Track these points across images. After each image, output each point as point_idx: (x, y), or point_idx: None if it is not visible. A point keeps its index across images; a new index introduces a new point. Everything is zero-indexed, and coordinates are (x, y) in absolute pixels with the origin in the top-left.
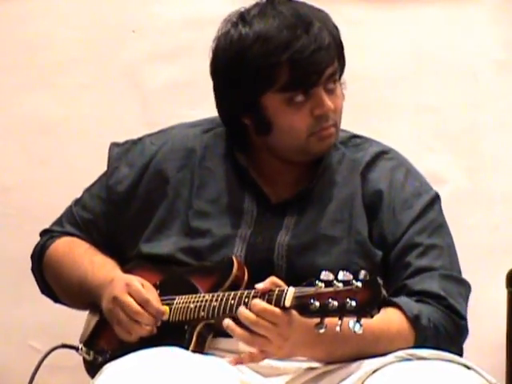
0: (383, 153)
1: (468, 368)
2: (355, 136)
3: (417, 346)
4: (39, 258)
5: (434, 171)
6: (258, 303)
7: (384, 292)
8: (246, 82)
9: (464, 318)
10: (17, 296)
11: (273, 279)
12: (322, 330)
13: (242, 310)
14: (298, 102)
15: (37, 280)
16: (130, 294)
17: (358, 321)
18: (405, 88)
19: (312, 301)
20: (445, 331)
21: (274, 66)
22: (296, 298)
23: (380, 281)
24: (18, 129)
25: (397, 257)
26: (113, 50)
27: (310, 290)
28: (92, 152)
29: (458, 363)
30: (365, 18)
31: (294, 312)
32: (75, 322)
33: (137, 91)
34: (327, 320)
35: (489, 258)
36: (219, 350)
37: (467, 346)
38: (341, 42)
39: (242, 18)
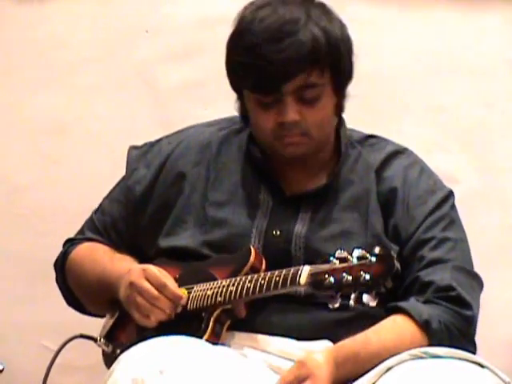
0: (398, 152)
1: (482, 366)
2: (371, 136)
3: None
4: (62, 265)
5: (447, 171)
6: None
7: (397, 265)
8: (229, 74)
9: (471, 308)
10: (30, 295)
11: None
12: (336, 305)
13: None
14: (266, 103)
15: (61, 290)
16: (147, 279)
17: (370, 293)
18: (417, 88)
19: (326, 276)
20: (456, 330)
21: (243, 65)
22: (311, 275)
23: (394, 254)
24: (32, 129)
25: (410, 251)
26: (126, 50)
27: (325, 266)
28: (105, 152)
29: (472, 362)
30: (377, 17)
31: (310, 365)
32: (89, 321)
33: (150, 91)
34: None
35: (502, 258)
36: (234, 343)
37: (481, 344)
38: (338, 51)
39: (246, 9)
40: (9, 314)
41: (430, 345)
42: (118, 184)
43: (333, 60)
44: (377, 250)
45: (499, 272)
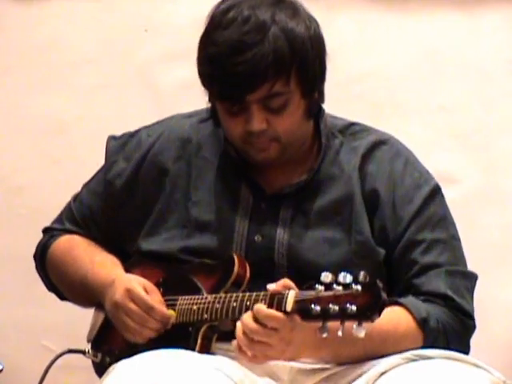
0: (380, 142)
1: (477, 366)
2: (353, 124)
3: (426, 347)
4: (41, 257)
5: (447, 171)
6: (261, 309)
7: (384, 295)
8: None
9: (472, 318)
10: (30, 295)
11: (286, 281)
12: (324, 335)
13: (244, 317)
14: (233, 111)
15: (41, 278)
16: (133, 301)
17: (359, 324)
18: (418, 87)
19: (313, 306)
20: (453, 331)
21: (207, 75)
22: (297, 302)
23: (380, 284)
24: (32, 129)
25: (400, 254)
26: (126, 49)
27: (311, 293)
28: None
29: (467, 362)
30: (377, 17)
31: (296, 316)
32: (88, 321)
33: (150, 91)
34: (330, 323)
35: (501, 257)
36: (226, 351)
37: (478, 345)
38: (304, 57)
39: (215, 10)
40: (8, 314)
41: (424, 342)
42: (97, 175)
43: (298, 67)
44: (361, 276)
45: (499, 271)
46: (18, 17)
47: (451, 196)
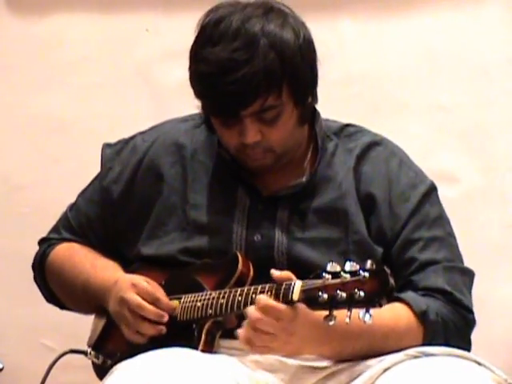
0: (375, 143)
1: (479, 364)
2: (348, 125)
3: (426, 340)
4: (40, 267)
5: (447, 170)
6: (262, 299)
7: (392, 281)
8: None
9: (471, 312)
10: (30, 295)
11: (288, 273)
12: (331, 322)
13: (248, 308)
14: (227, 123)
15: (40, 289)
16: (139, 294)
17: (367, 311)
18: (417, 86)
19: (320, 293)
20: (453, 325)
21: (199, 91)
22: (304, 291)
23: (387, 269)
24: (32, 128)
25: (398, 252)
26: (126, 49)
27: (318, 282)
28: None
29: (469, 359)
30: (376, 16)
31: (300, 307)
32: (88, 321)
33: (150, 90)
34: (336, 312)
35: (501, 256)
36: (228, 348)
37: (479, 342)
38: (294, 68)
39: (206, 19)
40: (8, 313)
41: (425, 336)
42: (93, 183)
43: (290, 79)
44: (369, 264)
45: (498, 270)
46: (15, 15)
47: (450, 195)
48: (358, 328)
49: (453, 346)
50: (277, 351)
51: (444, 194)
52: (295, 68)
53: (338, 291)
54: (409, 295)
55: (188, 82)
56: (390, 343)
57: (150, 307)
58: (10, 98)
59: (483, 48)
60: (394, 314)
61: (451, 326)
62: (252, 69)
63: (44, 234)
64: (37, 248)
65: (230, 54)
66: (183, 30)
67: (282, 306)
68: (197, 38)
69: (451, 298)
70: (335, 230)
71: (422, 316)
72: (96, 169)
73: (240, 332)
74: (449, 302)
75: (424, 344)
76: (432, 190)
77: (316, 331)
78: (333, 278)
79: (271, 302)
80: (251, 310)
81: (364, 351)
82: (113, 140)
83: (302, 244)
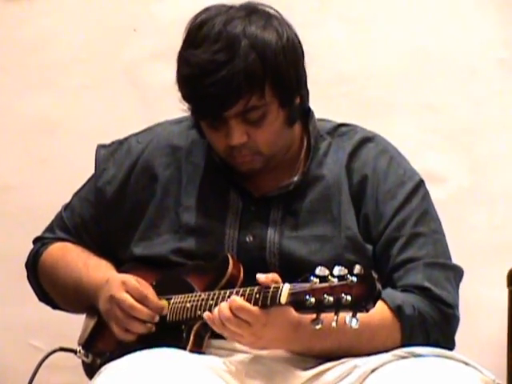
0: (366, 140)
1: (467, 364)
2: (341, 125)
3: (405, 336)
4: (33, 265)
5: (435, 170)
6: (237, 300)
7: (379, 286)
8: None
9: (452, 307)
10: (18, 295)
11: (275, 276)
12: (318, 326)
13: (222, 304)
14: (214, 125)
15: (33, 288)
16: (128, 292)
17: (353, 316)
18: (406, 86)
19: (307, 297)
20: (432, 320)
21: (183, 93)
22: (291, 294)
23: (375, 275)
24: (20, 128)
25: (381, 249)
26: (114, 49)
27: (305, 285)
28: (93, 152)
29: (457, 360)
30: (365, 16)
31: (271, 312)
32: (77, 321)
33: (138, 90)
34: (323, 315)
35: (490, 257)
36: (217, 348)
37: (467, 343)
38: (277, 70)
39: (192, 22)
40: None
41: (403, 330)
42: (88, 183)
43: (272, 79)
44: (357, 269)
45: (486, 270)
46: (4, 16)
47: (438, 195)
48: (327, 327)
49: (435, 341)
50: (243, 344)
51: (432, 194)
52: (277, 68)
53: (326, 295)
54: (385, 291)
55: (175, 82)
56: (363, 340)
57: (141, 307)
58: None
59: (472, 48)
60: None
61: (429, 320)
62: (232, 70)
63: (32, 235)
64: (25, 248)
65: (210, 55)
66: (171, 30)
67: (255, 311)
68: (183, 41)
69: (430, 293)
70: (328, 226)
71: (397, 311)
72: (85, 170)
73: (208, 314)
74: (427, 298)
75: (404, 339)
76: (419, 185)
77: (284, 332)
78: (321, 281)
79: (245, 304)
80: (223, 308)
81: (335, 348)
82: (101, 141)
83: (295, 242)
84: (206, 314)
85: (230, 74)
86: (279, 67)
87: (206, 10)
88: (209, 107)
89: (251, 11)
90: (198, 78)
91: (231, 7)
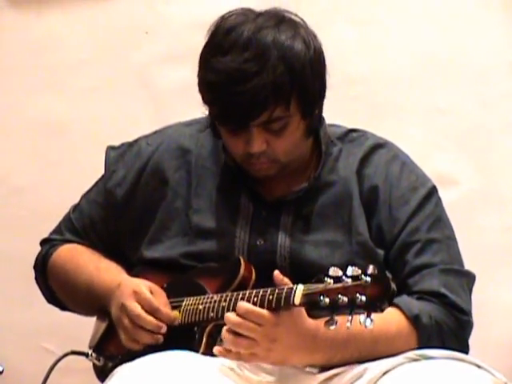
0: (378, 146)
1: (479, 367)
2: (352, 130)
3: (421, 344)
4: (42, 267)
5: (446, 172)
6: (243, 305)
7: (393, 286)
8: None
9: (467, 313)
10: (30, 298)
11: (286, 280)
12: (332, 327)
13: (227, 313)
14: (234, 131)
15: (41, 290)
16: (139, 302)
17: (368, 316)
18: (416, 90)
19: (321, 297)
20: (448, 328)
21: (207, 99)
22: (305, 295)
23: (389, 275)
24: (30, 131)
25: (396, 255)
26: (125, 51)
27: (319, 286)
28: (103, 154)
29: (469, 362)
30: (375, 18)
31: (284, 314)
32: (88, 323)
33: (149, 93)
34: (336, 317)
35: (501, 259)
36: None
37: (479, 345)
38: (303, 81)
39: (217, 25)
40: (8, 316)
41: (420, 340)
42: (97, 184)
43: (298, 92)
44: (370, 269)
45: (498, 273)
46: (16, 19)
47: (450, 198)
48: (345, 335)
49: (450, 349)
50: (261, 358)
51: (443, 197)
52: (304, 81)
53: (340, 295)
54: (401, 299)
55: (187, 86)
56: (380, 348)
57: (149, 318)
58: (8, 101)
59: (482, 51)
60: (385, 319)
61: (446, 328)
62: (261, 81)
63: (41, 237)
64: (36, 251)
65: (239, 64)
66: (182, 32)
67: (263, 312)
68: (207, 44)
69: (446, 300)
70: (339, 231)
71: (414, 320)
72: (95, 172)
73: (216, 348)
74: (443, 305)
75: (420, 348)
76: (432, 192)
77: (302, 339)
78: (335, 282)
79: (252, 307)
80: (231, 315)
81: (354, 357)
82: (111, 143)
83: (305, 246)
84: (217, 349)
85: (259, 86)
86: (306, 80)
87: (232, 14)
88: (233, 115)
89: (280, 20)
90: (225, 86)
91: (259, 14)
